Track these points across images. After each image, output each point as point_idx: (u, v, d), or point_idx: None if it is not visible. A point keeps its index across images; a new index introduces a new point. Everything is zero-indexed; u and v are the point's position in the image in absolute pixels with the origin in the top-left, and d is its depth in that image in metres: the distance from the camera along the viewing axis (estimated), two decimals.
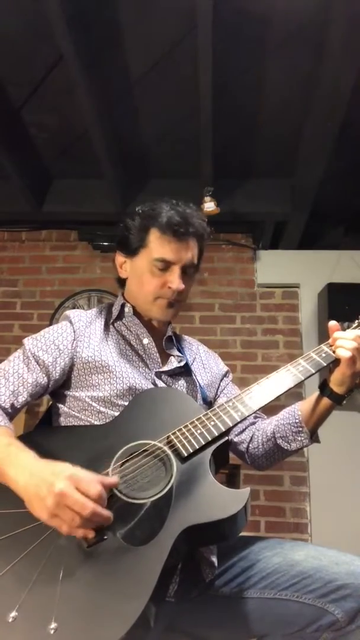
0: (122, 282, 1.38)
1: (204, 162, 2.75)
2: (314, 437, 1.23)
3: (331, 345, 1.14)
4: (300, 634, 1.04)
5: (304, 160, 2.69)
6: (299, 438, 1.21)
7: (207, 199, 2.83)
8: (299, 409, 1.22)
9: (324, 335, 1.63)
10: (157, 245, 1.25)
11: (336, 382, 1.14)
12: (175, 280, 1.24)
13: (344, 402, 1.15)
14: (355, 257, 3.41)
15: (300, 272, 3.50)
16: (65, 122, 2.65)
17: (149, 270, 1.25)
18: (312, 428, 1.21)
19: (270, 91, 2.40)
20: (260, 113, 2.55)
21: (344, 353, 1.09)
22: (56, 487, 0.86)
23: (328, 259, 3.44)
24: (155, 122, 2.66)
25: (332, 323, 1.17)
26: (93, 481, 0.89)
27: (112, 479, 0.95)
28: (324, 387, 1.17)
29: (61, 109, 2.56)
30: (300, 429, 1.20)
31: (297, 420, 1.21)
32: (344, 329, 1.17)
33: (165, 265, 1.25)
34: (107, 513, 0.88)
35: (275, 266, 3.55)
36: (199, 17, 1.88)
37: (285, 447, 1.23)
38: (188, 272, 1.28)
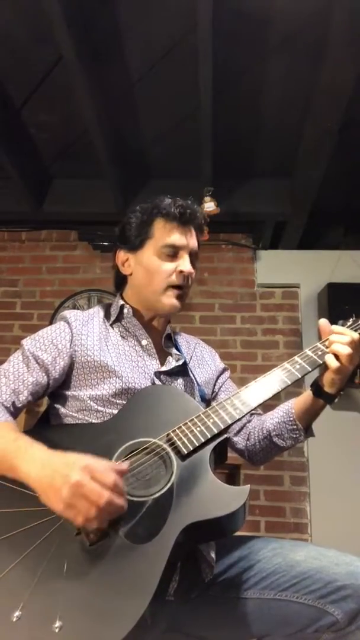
0: (121, 282, 1.38)
1: (204, 162, 2.75)
2: (308, 432, 1.26)
3: (327, 347, 1.14)
4: (300, 635, 1.04)
5: (304, 160, 2.69)
6: (294, 435, 1.25)
7: (207, 199, 2.83)
8: (293, 408, 1.25)
9: None
10: (164, 233, 1.27)
11: (328, 383, 1.16)
12: (186, 264, 1.26)
13: (336, 400, 1.18)
14: (355, 257, 3.41)
15: (300, 272, 3.50)
16: (65, 122, 2.65)
17: (158, 257, 1.27)
18: (306, 424, 1.24)
19: (270, 91, 2.40)
20: (260, 113, 2.55)
21: (333, 362, 1.10)
22: (72, 477, 0.86)
23: (328, 259, 3.43)
24: (155, 122, 2.66)
25: (322, 321, 1.19)
26: (107, 470, 0.89)
27: (123, 465, 0.94)
28: (316, 388, 1.19)
29: (61, 109, 2.56)
30: (295, 427, 1.23)
31: (291, 419, 1.24)
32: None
33: (174, 252, 1.27)
34: (122, 501, 0.88)
35: (275, 266, 3.54)
36: (199, 17, 1.88)
37: (281, 444, 1.27)
38: (192, 260, 1.30)
